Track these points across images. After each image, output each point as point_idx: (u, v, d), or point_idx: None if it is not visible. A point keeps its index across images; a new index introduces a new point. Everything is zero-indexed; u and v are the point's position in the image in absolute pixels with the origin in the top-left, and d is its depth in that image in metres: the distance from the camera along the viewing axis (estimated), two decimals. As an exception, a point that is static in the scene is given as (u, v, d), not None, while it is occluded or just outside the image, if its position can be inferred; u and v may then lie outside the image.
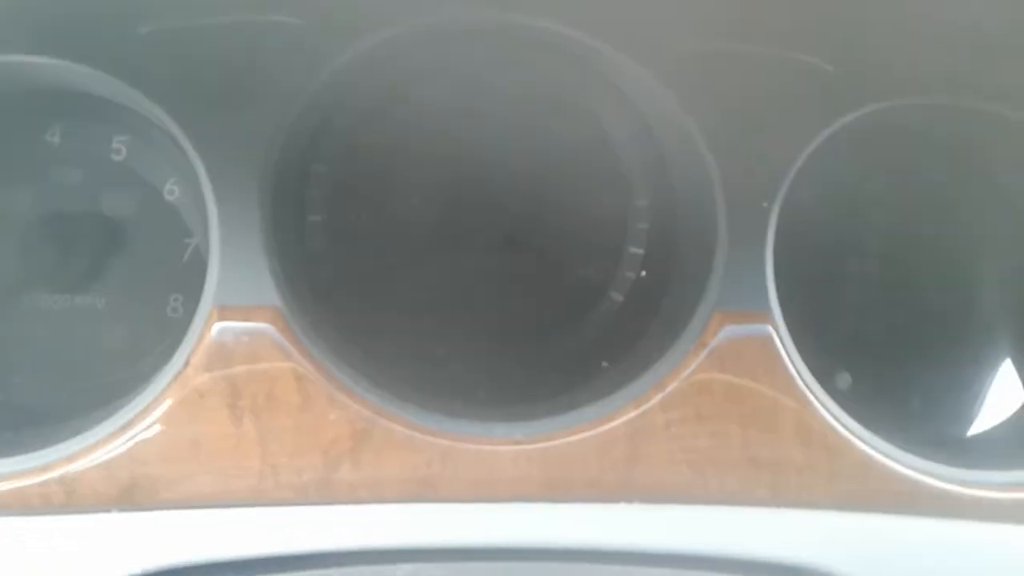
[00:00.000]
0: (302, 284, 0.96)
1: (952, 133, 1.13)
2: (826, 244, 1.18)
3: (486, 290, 1.15)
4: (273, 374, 0.87)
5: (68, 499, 0.85)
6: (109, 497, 0.85)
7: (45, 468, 0.85)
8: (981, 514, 0.93)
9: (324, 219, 1.12)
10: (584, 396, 0.95)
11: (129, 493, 0.85)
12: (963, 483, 0.94)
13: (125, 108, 1.01)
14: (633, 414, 0.90)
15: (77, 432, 0.87)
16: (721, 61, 0.97)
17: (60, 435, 0.87)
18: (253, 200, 0.90)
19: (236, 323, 0.87)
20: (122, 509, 0.86)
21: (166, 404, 0.86)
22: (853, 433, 0.92)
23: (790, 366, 0.92)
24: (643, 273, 1.16)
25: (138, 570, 0.84)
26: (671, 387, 0.91)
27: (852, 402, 0.95)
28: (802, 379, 0.92)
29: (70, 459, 0.85)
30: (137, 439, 0.85)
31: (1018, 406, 1.12)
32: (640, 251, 1.16)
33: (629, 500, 0.90)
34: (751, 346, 0.93)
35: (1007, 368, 1.16)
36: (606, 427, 0.90)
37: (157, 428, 0.86)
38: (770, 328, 0.93)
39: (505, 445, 0.89)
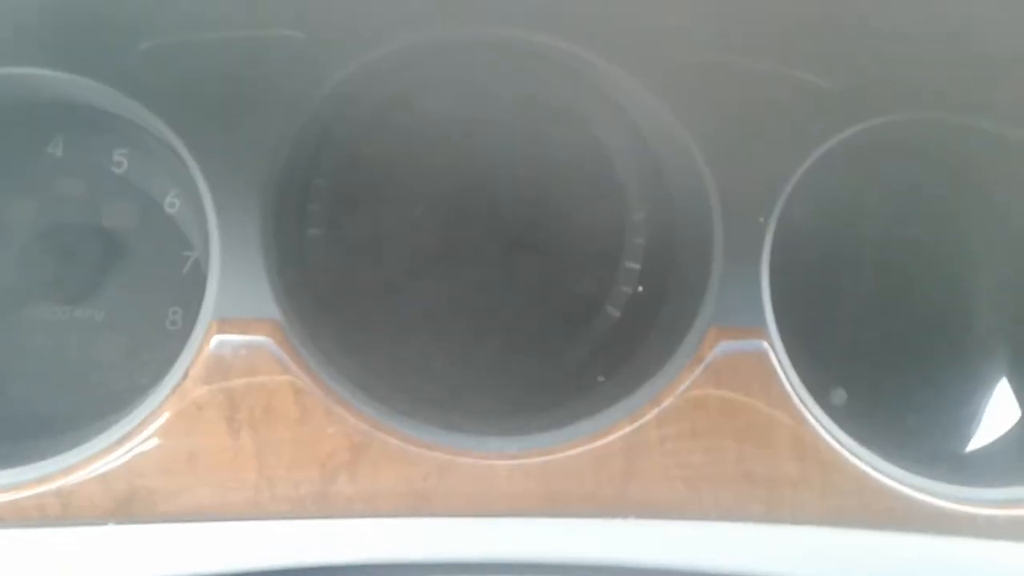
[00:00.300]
0: (301, 297, 0.97)
1: (947, 149, 1.14)
2: (822, 260, 1.18)
3: (484, 304, 1.15)
4: (271, 387, 0.87)
5: (65, 511, 0.85)
6: (106, 509, 0.85)
7: (42, 480, 0.85)
8: (975, 531, 0.93)
9: (323, 232, 1.12)
10: (580, 411, 0.95)
11: (126, 505, 0.86)
12: (958, 500, 0.94)
13: (126, 121, 1.01)
14: (629, 429, 0.91)
15: (75, 444, 0.87)
16: (718, 76, 0.97)
17: (57, 447, 0.88)
18: (253, 213, 0.91)
19: (235, 336, 0.88)
20: (119, 522, 0.86)
21: (164, 417, 0.86)
22: (848, 449, 0.92)
23: (785, 382, 0.92)
24: (640, 288, 1.16)
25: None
26: (667, 402, 0.91)
27: (847, 418, 0.95)
28: (797, 395, 0.92)
29: (67, 471, 0.85)
30: (135, 451, 0.86)
31: (1013, 423, 1.12)
32: (637, 266, 1.17)
33: (625, 515, 0.91)
34: (747, 361, 0.93)
35: (1002, 385, 1.16)
36: (602, 442, 0.90)
37: (155, 440, 0.86)
38: (765, 344, 0.93)
39: (501, 459, 0.89)
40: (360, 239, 1.13)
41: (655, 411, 0.91)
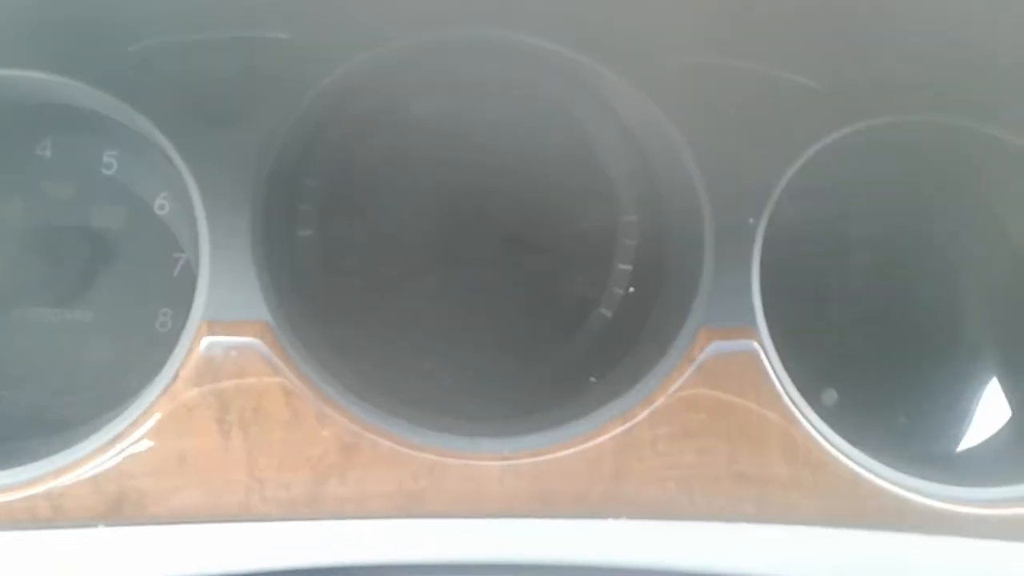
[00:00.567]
0: (291, 299, 0.97)
1: (939, 151, 1.14)
2: (813, 261, 1.19)
3: (475, 305, 1.15)
4: (261, 389, 0.87)
5: (55, 513, 0.85)
6: (96, 511, 0.85)
7: (32, 482, 0.85)
8: (967, 530, 0.94)
9: (314, 234, 1.12)
10: (572, 411, 0.95)
11: (117, 507, 0.85)
12: (949, 499, 0.94)
13: (116, 122, 1.01)
14: (620, 429, 0.91)
15: (65, 446, 0.87)
16: (709, 78, 0.97)
17: (48, 449, 0.87)
18: (243, 215, 0.91)
19: (225, 337, 0.88)
20: (109, 524, 0.86)
21: (154, 418, 0.86)
22: (839, 449, 0.92)
23: (776, 382, 0.93)
24: (631, 289, 1.16)
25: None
26: (658, 402, 0.91)
27: (838, 418, 0.95)
28: (788, 395, 0.93)
29: (57, 473, 0.85)
30: (125, 453, 0.85)
31: (1003, 423, 1.13)
32: (628, 267, 1.17)
33: (616, 516, 0.91)
34: (737, 362, 0.93)
35: (993, 385, 1.16)
36: (593, 442, 0.90)
37: (145, 442, 0.86)
38: (756, 344, 0.93)
39: (492, 460, 0.89)
40: (350, 240, 1.13)
41: (647, 412, 0.91)
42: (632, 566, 0.89)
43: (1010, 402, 1.13)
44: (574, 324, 1.18)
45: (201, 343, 0.87)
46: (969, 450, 1.13)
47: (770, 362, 0.93)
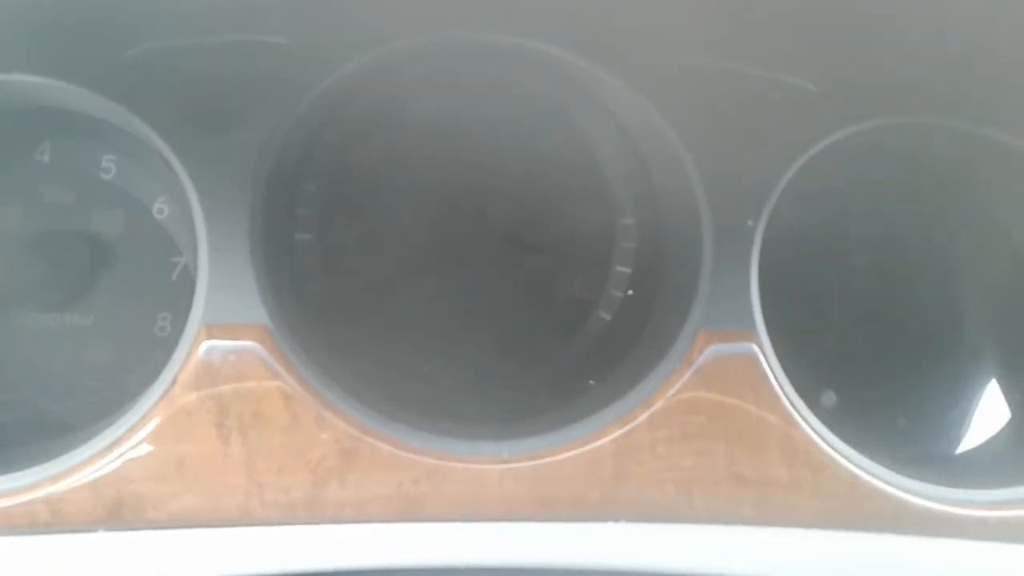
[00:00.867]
0: (290, 303, 0.97)
1: (937, 153, 1.14)
2: (811, 263, 1.19)
3: (474, 308, 1.15)
4: (260, 393, 0.87)
5: (54, 518, 0.85)
6: (95, 516, 0.85)
7: (31, 487, 0.85)
8: (965, 533, 0.93)
9: (313, 237, 1.12)
10: (571, 414, 0.95)
11: (116, 512, 0.85)
12: (948, 501, 0.94)
13: (114, 127, 1.01)
14: (619, 432, 0.91)
15: (64, 450, 0.87)
16: (707, 80, 0.98)
17: (46, 453, 0.87)
18: (242, 219, 0.91)
19: (224, 341, 0.88)
20: (109, 528, 0.85)
21: (153, 423, 0.86)
22: (838, 451, 0.92)
23: (775, 384, 0.93)
24: (630, 291, 1.17)
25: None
26: (657, 405, 0.91)
27: (837, 420, 0.95)
28: (787, 397, 0.93)
29: (56, 478, 0.85)
30: (124, 458, 0.85)
31: (1002, 425, 1.13)
32: (627, 270, 1.17)
33: (615, 519, 0.90)
34: (736, 364, 0.93)
35: (992, 387, 1.16)
36: (592, 445, 0.90)
37: (144, 447, 0.86)
38: (755, 346, 0.93)
39: (492, 463, 0.89)
40: (349, 244, 1.13)
41: (646, 414, 0.91)
42: (631, 569, 0.89)
43: (1009, 404, 1.13)
44: (573, 327, 1.18)
45: (200, 347, 0.87)
46: (968, 452, 1.13)
47: (769, 364, 0.93)
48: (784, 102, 0.99)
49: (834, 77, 0.98)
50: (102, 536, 0.85)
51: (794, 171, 0.97)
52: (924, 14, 0.87)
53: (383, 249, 1.14)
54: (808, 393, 0.95)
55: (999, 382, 1.16)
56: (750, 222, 0.96)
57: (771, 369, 0.93)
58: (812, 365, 1.05)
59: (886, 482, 0.93)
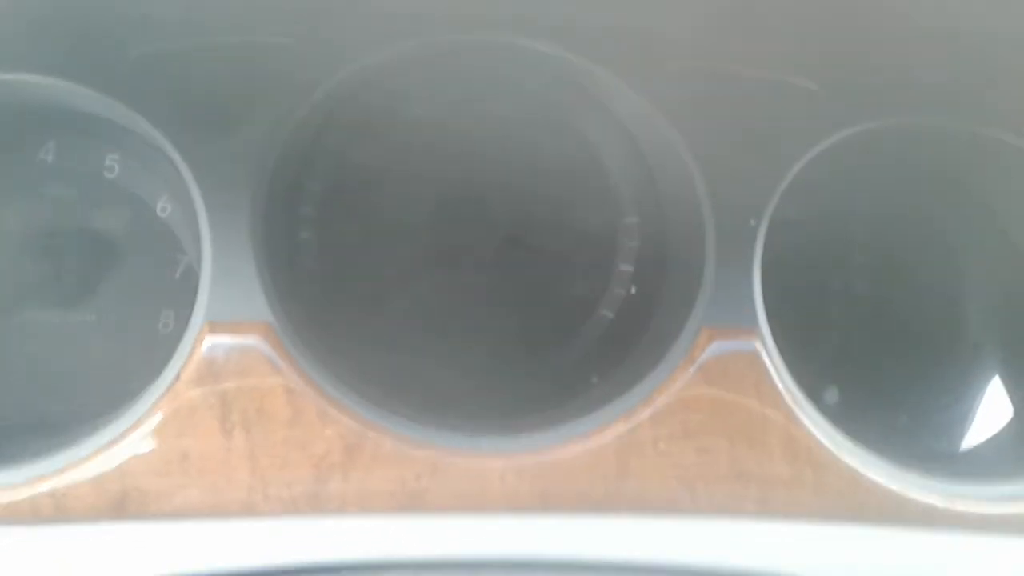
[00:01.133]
0: (293, 300, 0.97)
1: (940, 152, 1.14)
2: (814, 261, 1.19)
3: (477, 306, 1.15)
4: (263, 389, 0.87)
5: (58, 512, 0.85)
6: (100, 510, 0.85)
7: (35, 481, 0.85)
8: (967, 527, 0.94)
9: (315, 235, 1.13)
10: (574, 411, 0.95)
11: (119, 506, 0.85)
12: (949, 496, 0.94)
13: (118, 126, 1.02)
14: (622, 429, 0.91)
15: (68, 445, 0.87)
16: (710, 80, 0.98)
17: (51, 448, 0.87)
18: (245, 217, 0.91)
19: (227, 338, 0.88)
20: (112, 522, 0.86)
21: (157, 418, 0.86)
22: (840, 447, 0.92)
23: (778, 381, 0.93)
24: (633, 290, 1.17)
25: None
26: (660, 402, 0.91)
27: (839, 417, 0.95)
28: (790, 394, 0.93)
29: (60, 472, 0.85)
30: (128, 452, 0.86)
31: (1005, 421, 1.13)
32: (630, 268, 1.17)
33: (618, 513, 0.91)
34: (739, 361, 0.93)
35: (994, 383, 1.16)
36: (595, 441, 0.90)
37: (148, 442, 0.86)
38: (758, 344, 0.93)
39: (494, 458, 0.89)
40: (352, 242, 1.14)
41: (648, 411, 0.91)
42: (633, 563, 0.89)
43: (1011, 400, 1.13)
44: (576, 325, 1.18)
45: (203, 344, 0.87)
46: (971, 448, 1.13)
47: (772, 362, 0.93)
48: (787, 102, 0.99)
49: (837, 77, 0.99)
50: (106, 529, 0.86)
51: (797, 170, 0.97)
52: (926, 14, 0.87)
53: (386, 247, 1.14)
54: (811, 390, 0.96)
55: (1001, 379, 1.16)
56: (753, 221, 0.96)
57: (774, 366, 0.93)
58: (814, 362, 1.06)
59: (888, 477, 0.93)
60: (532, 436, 0.92)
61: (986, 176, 1.14)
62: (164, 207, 1.11)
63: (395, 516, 0.89)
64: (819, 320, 1.21)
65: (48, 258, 1.06)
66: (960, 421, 1.16)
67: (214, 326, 0.88)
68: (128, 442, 0.86)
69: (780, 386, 0.93)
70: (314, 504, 0.87)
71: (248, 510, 0.87)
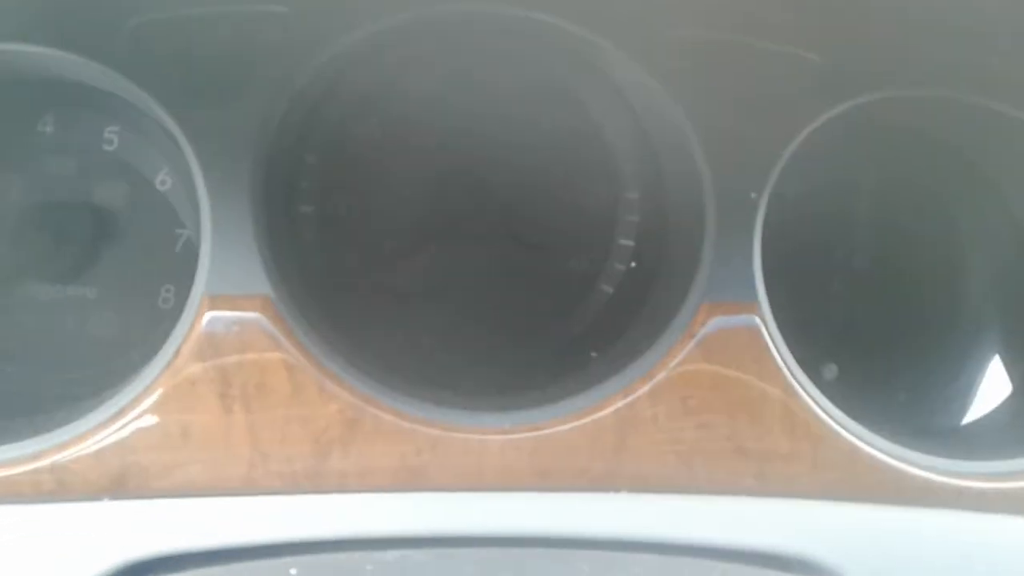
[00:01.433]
0: (293, 274, 0.97)
1: (942, 125, 1.13)
2: (814, 235, 1.19)
3: (476, 281, 1.16)
4: (263, 363, 0.87)
5: (59, 487, 0.86)
6: (100, 486, 0.86)
7: (36, 456, 0.86)
8: (965, 504, 0.94)
9: (314, 210, 1.12)
10: (573, 386, 0.95)
11: (120, 481, 0.86)
12: (948, 473, 0.94)
13: (117, 98, 1.01)
14: (621, 404, 0.91)
15: (68, 421, 0.87)
16: (711, 52, 0.97)
17: (51, 424, 0.88)
18: (244, 190, 0.90)
19: (227, 312, 0.88)
20: (113, 497, 0.86)
21: (157, 393, 0.86)
22: (839, 423, 0.93)
23: (777, 357, 0.92)
24: (633, 264, 1.17)
25: (130, 558, 0.84)
26: (659, 377, 0.91)
27: (838, 392, 0.96)
28: (789, 369, 0.92)
29: (61, 447, 0.86)
30: (128, 428, 0.86)
31: (1003, 397, 1.13)
32: (630, 243, 1.17)
33: (617, 489, 0.91)
34: (739, 337, 0.93)
35: (992, 359, 1.16)
36: (594, 417, 0.90)
37: (148, 417, 0.86)
38: (757, 319, 0.93)
39: (494, 434, 0.90)
40: (352, 216, 1.14)
41: (647, 386, 0.91)
42: (632, 538, 0.90)
43: (1010, 376, 1.14)
44: (575, 299, 1.18)
45: (203, 318, 0.87)
46: (969, 424, 1.14)
47: (771, 337, 0.93)
48: (788, 74, 0.98)
49: (838, 49, 0.97)
50: (106, 505, 0.86)
51: (798, 143, 0.96)
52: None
53: (385, 221, 1.14)
54: (810, 366, 0.96)
55: (1000, 356, 1.16)
56: (753, 195, 0.95)
57: (773, 342, 0.93)
58: (814, 338, 1.06)
59: (887, 454, 0.93)
60: (531, 412, 0.92)
61: (988, 150, 1.14)
62: (164, 180, 1.11)
63: (395, 491, 0.89)
64: (819, 296, 1.22)
65: (47, 232, 1.06)
66: (959, 397, 1.16)
67: (214, 300, 0.88)
68: (128, 417, 0.86)
69: (779, 362, 0.93)
70: (314, 479, 0.88)
71: (248, 485, 0.87)
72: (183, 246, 1.10)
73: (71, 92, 1.05)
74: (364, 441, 0.88)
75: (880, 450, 0.93)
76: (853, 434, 0.93)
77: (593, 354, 1.07)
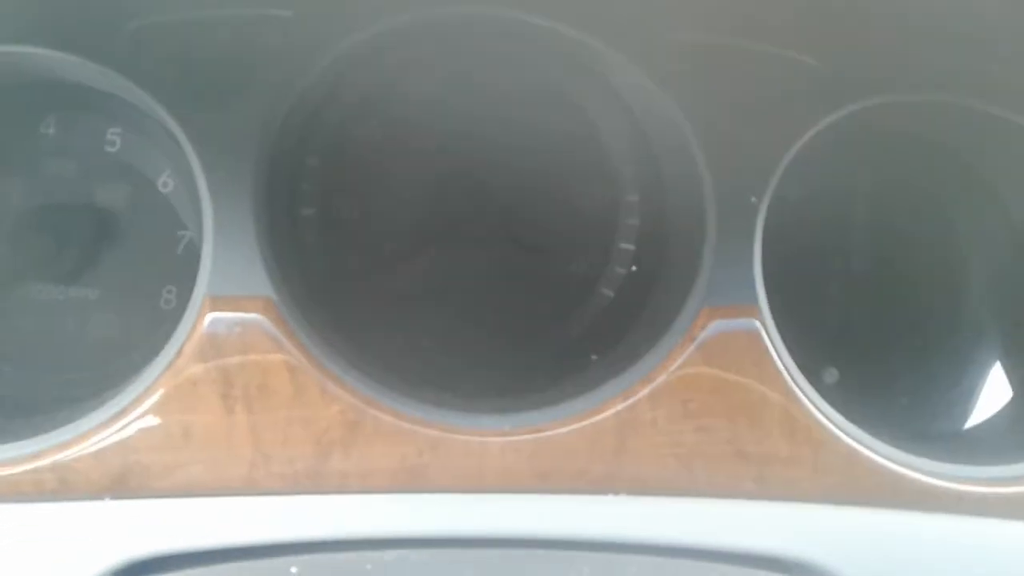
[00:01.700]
0: (294, 275, 0.97)
1: (943, 131, 1.14)
2: (815, 239, 1.19)
3: (477, 283, 1.16)
4: (265, 364, 0.88)
5: (61, 487, 0.86)
6: (101, 485, 0.86)
7: (37, 455, 0.86)
8: (964, 509, 0.94)
9: (316, 212, 1.13)
10: (573, 389, 0.95)
11: (121, 481, 0.86)
12: (947, 478, 0.94)
13: (119, 100, 1.01)
14: (621, 407, 0.91)
15: (70, 420, 0.88)
16: (711, 56, 0.97)
17: (53, 423, 0.88)
18: (246, 192, 0.91)
19: (229, 314, 0.88)
20: (115, 497, 0.86)
21: (158, 393, 0.87)
22: (839, 427, 0.93)
23: (777, 360, 0.93)
24: (633, 268, 1.17)
25: (131, 557, 0.84)
26: (659, 380, 0.91)
27: (838, 396, 0.96)
28: (789, 373, 0.93)
29: (62, 447, 0.86)
30: (130, 428, 0.86)
31: (1002, 402, 1.13)
32: (630, 247, 1.17)
33: (616, 491, 0.91)
34: (739, 340, 0.93)
35: (992, 364, 1.16)
36: (594, 419, 0.91)
37: (149, 417, 0.86)
38: (757, 323, 0.93)
39: (494, 436, 0.90)
40: (354, 218, 1.14)
41: (647, 389, 0.91)
42: (631, 541, 0.90)
43: (1011, 381, 1.14)
44: (575, 303, 1.18)
45: (205, 319, 0.88)
46: (968, 429, 1.13)
47: (771, 341, 0.93)
48: (788, 78, 0.98)
49: (839, 54, 0.98)
50: (107, 505, 0.86)
51: (798, 148, 0.97)
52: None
53: (386, 223, 1.15)
54: (810, 370, 0.96)
55: (1000, 360, 1.16)
56: (754, 199, 0.95)
57: (773, 346, 0.93)
58: (814, 342, 1.05)
59: (887, 458, 0.93)
60: (531, 414, 0.92)
61: (988, 155, 1.14)
62: (166, 182, 1.11)
63: (395, 492, 0.89)
64: (819, 299, 1.22)
65: (49, 233, 1.06)
66: (959, 402, 1.16)
67: (216, 302, 0.88)
68: (130, 417, 0.86)
69: (779, 365, 0.93)
70: (315, 480, 0.88)
71: (250, 485, 0.87)
72: (185, 247, 1.10)
73: (73, 94, 1.06)
74: (365, 442, 0.88)
75: (880, 454, 0.93)
76: (853, 438, 0.93)
77: (593, 357, 1.07)
